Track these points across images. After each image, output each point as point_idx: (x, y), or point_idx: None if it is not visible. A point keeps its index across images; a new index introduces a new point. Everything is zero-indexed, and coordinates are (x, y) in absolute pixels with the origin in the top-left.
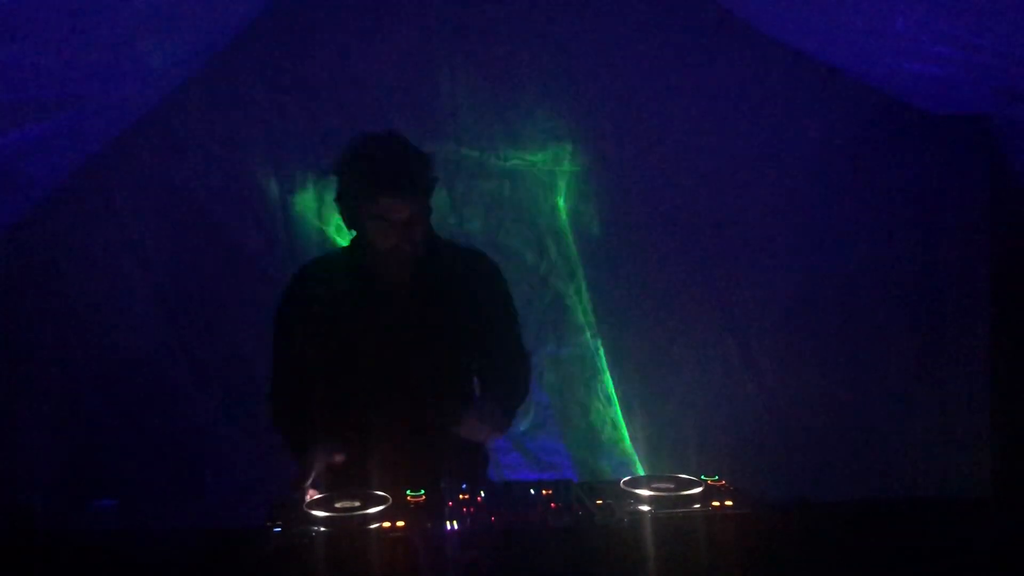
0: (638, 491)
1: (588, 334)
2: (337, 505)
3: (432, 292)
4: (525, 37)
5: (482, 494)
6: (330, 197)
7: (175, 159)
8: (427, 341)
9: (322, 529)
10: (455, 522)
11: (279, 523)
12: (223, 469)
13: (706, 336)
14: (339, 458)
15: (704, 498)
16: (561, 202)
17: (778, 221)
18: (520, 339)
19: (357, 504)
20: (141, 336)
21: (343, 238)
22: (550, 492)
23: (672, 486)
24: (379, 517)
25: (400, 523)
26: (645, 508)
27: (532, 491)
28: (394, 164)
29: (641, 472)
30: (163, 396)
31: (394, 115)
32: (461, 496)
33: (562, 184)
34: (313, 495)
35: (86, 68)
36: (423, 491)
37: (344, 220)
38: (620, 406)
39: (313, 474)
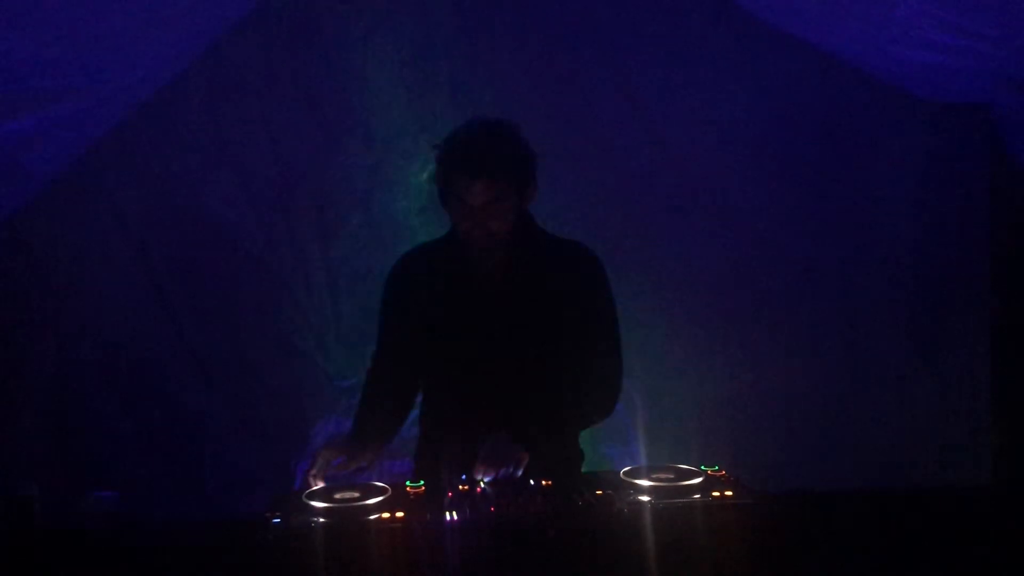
0: (638, 481)
1: None
2: (336, 496)
3: (522, 285)
4: (525, 30)
5: (482, 485)
6: None
7: (174, 150)
8: (512, 336)
9: (321, 520)
10: (454, 513)
11: (278, 514)
12: (223, 460)
13: (706, 326)
14: (357, 462)
15: (704, 488)
16: None
17: (777, 211)
18: (614, 349)
19: (356, 495)
20: (140, 327)
21: None
22: (550, 483)
23: (672, 476)
24: (378, 508)
25: (399, 514)
26: (645, 498)
27: (532, 481)
28: (478, 146)
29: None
30: (163, 387)
31: (394, 107)
32: (461, 487)
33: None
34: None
35: (84, 59)
36: None
37: (439, 199)
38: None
39: (321, 462)
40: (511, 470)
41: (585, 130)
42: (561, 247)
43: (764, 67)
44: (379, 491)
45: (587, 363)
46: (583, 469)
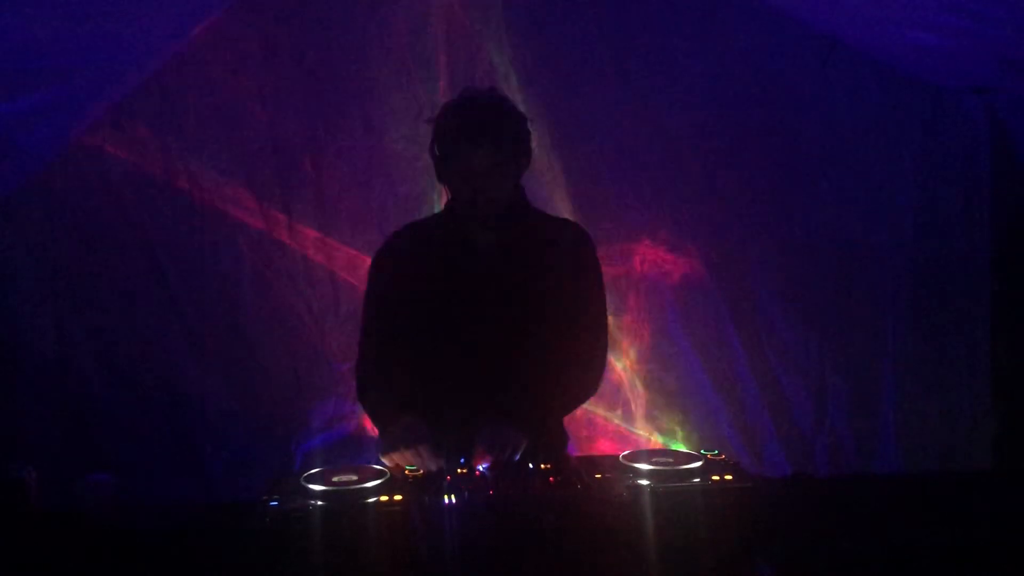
0: (637, 465)
1: None
2: (334, 479)
3: (517, 259)
4: (522, 14)
5: (480, 468)
6: None
7: (172, 131)
8: (506, 310)
9: (319, 503)
10: (453, 496)
11: (276, 497)
12: (221, 443)
13: (706, 312)
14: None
15: (703, 472)
16: None
17: (775, 195)
18: (602, 330)
19: (354, 478)
20: (138, 309)
21: None
22: (549, 466)
23: (671, 460)
24: (376, 491)
25: (397, 497)
26: (644, 482)
27: (531, 464)
28: (478, 114)
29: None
30: (161, 369)
31: (394, 88)
32: (459, 470)
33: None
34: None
35: (80, 39)
36: None
37: (436, 174)
38: (624, 383)
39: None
40: (509, 455)
41: (580, 113)
42: (555, 225)
43: (763, 48)
44: (377, 474)
45: (575, 343)
46: (569, 452)
